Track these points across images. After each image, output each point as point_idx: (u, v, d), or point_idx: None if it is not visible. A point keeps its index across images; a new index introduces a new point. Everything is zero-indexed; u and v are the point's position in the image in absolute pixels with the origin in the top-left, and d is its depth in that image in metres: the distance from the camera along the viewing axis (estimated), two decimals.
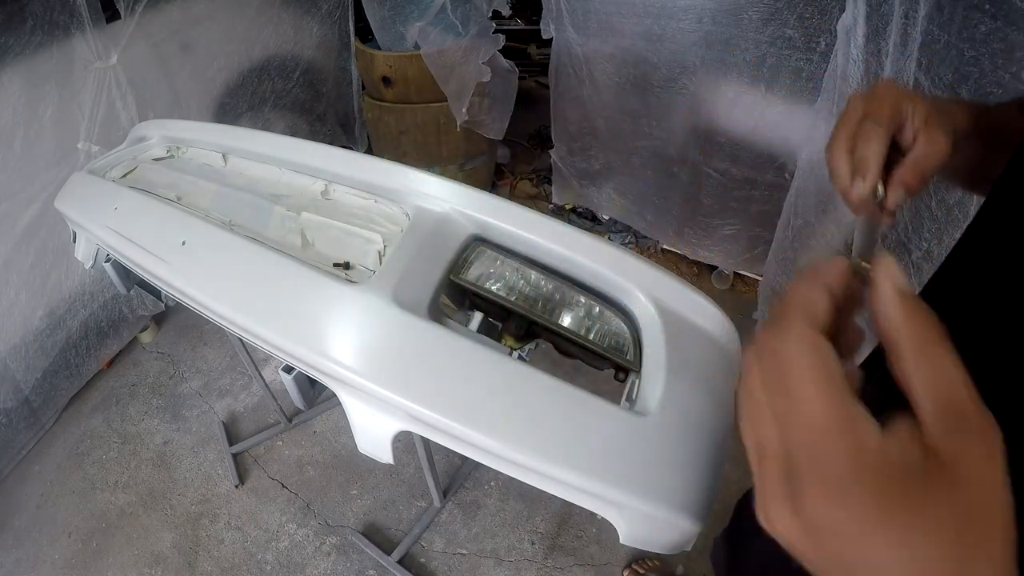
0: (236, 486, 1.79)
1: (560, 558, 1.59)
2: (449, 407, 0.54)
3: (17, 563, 1.69)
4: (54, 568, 1.67)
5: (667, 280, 0.70)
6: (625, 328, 0.68)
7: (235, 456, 1.86)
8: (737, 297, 2.28)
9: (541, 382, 0.56)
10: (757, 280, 2.27)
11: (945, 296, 0.49)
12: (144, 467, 1.88)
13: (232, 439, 1.91)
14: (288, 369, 0.73)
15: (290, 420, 1.91)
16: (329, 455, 1.86)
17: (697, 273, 2.38)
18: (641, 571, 1.54)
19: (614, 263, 0.70)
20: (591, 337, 0.68)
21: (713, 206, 2.12)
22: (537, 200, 2.85)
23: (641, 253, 2.42)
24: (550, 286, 0.70)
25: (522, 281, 0.70)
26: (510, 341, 0.67)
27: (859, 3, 1.21)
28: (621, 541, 0.53)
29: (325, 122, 2.81)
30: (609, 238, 2.56)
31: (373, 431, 0.60)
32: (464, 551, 1.61)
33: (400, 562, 1.57)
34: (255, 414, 2.01)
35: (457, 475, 1.76)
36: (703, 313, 0.70)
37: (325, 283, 0.67)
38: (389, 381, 0.57)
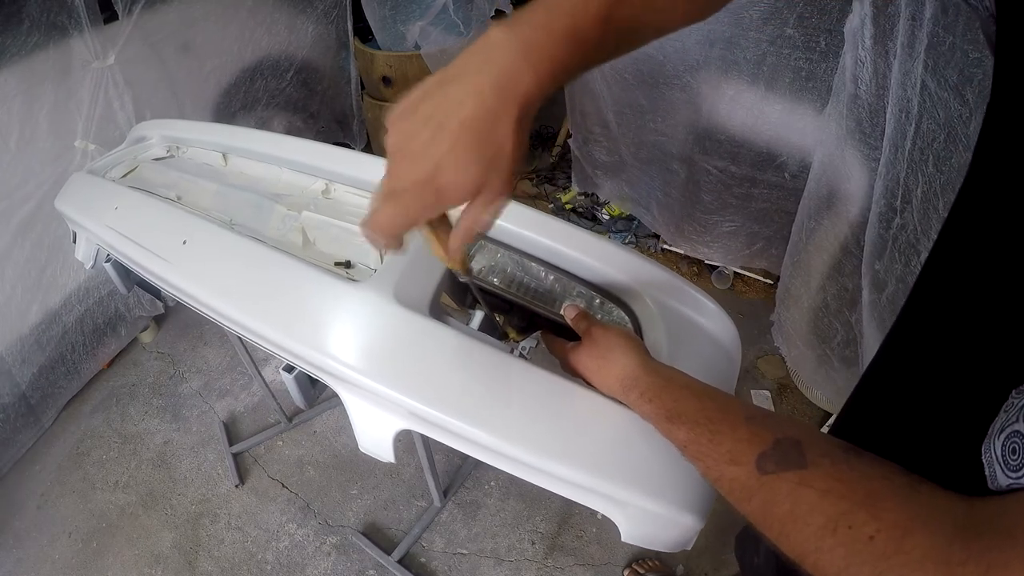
0: (236, 486, 1.79)
1: (560, 558, 1.58)
2: (451, 405, 0.54)
3: (18, 563, 1.68)
4: (54, 568, 1.66)
5: (666, 276, 0.70)
6: (627, 319, 0.68)
7: (235, 456, 1.86)
8: (737, 297, 2.28)
9: (542, 379, 0.56)
10: (757, 280, 2.27)
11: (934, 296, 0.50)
12: (144, 467, 1.88)
13: (232, 439, 1.90)
14: (289, 368, 0.72)
15: (290, 420, 1.91)
16: (329, 455, 1.86)
17: (698, 273, 2.38)
18: (641, 571, 1.53)
19: (614, 260, 0.70)
20: None
21: (713, 203, 2.12)
22: (537, 200, 2.85)
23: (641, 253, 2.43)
24: (551, 278, 0.70)
25: (523, 273, 0.70)
26: (512, 333, 0.67)
27: (865, 5, 1.22)
28: (623, 539, 0.53)
29: (319, 119, 2.81)
30: (609, 237, 2.56)
31: (374, 430, 0.60)
32: (464, 551, 1.61)
33: (400, 562, 1.57)
34: (255, 414, 2.01)
35: (457, 475, 1.76)
36: (702, 309, 0.70)
37: (327, 281, 0.66)
38: (391, 379, 0.56)
